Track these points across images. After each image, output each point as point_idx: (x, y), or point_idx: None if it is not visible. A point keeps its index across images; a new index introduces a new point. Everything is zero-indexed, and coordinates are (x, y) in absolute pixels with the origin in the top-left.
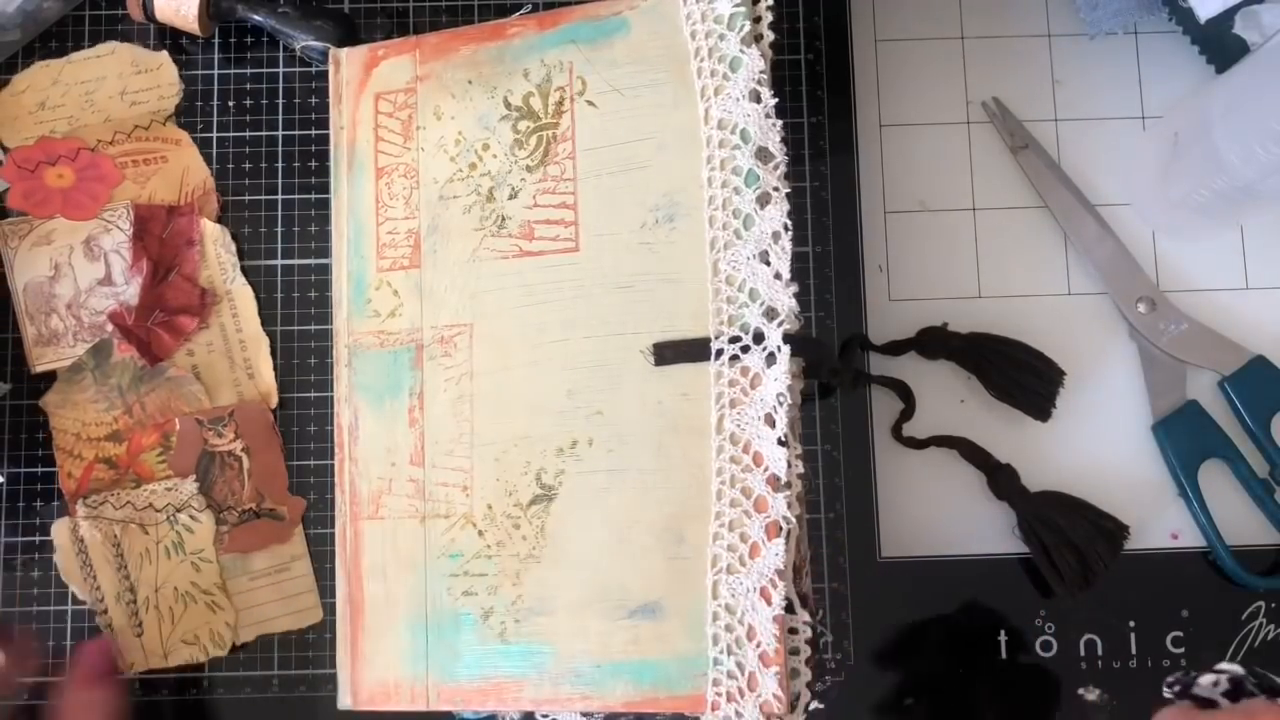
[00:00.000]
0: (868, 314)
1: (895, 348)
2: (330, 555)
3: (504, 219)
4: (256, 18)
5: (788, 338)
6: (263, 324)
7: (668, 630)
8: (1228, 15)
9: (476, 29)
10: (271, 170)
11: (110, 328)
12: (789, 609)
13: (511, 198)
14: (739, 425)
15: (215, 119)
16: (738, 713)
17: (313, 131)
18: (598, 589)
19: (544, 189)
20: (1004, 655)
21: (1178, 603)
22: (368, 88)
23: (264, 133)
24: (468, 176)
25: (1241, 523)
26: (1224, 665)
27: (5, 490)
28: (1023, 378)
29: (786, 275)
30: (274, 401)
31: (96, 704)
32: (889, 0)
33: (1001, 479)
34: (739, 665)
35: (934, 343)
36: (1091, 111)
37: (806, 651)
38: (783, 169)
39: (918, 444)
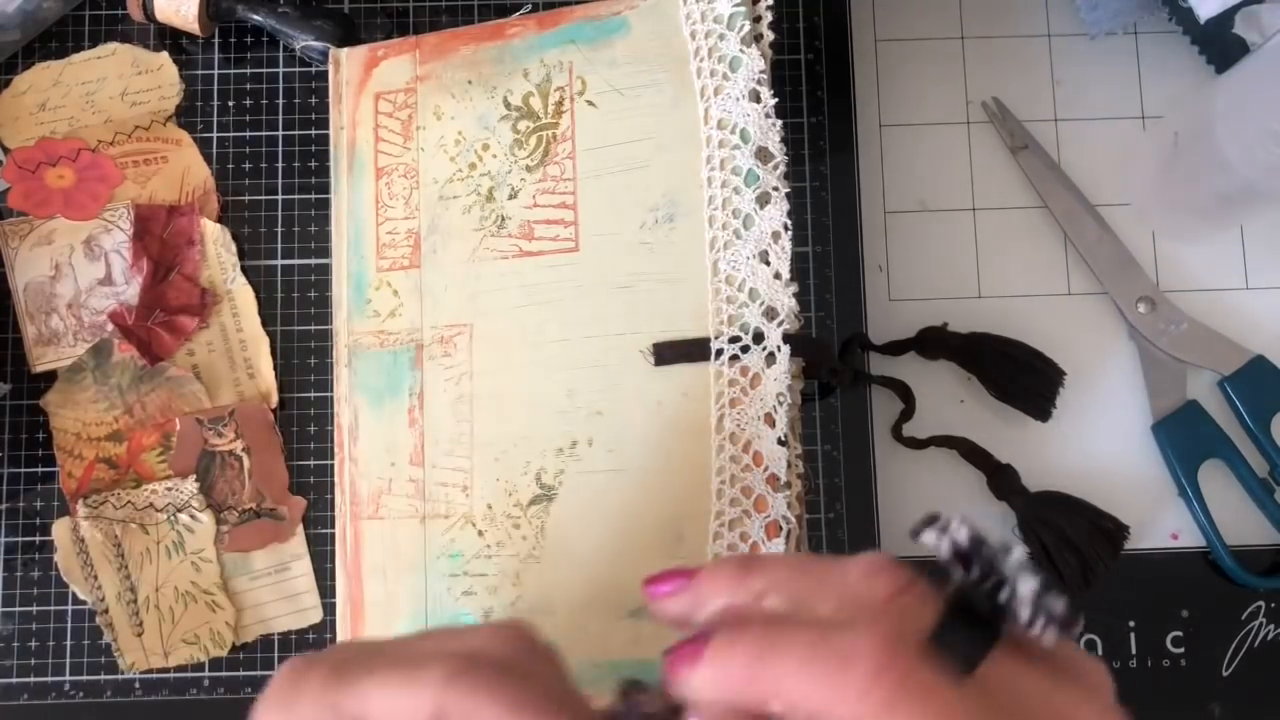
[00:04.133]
0: (868, 314)
1: (895, 348)
2: (330, 555)
3: (504, 219)
4: (256, 18)
5: (788, 338)
6: (263, 324)
7: (668, 630)
8: (1228, 15)
9: (476, 29)
10: (271, 170)
11: (110, 327)
12: None
13: (511, 198)
14: (739, 425)
15: (215, 119)
16: None
17: (313, 131)
18: (598, 589)
19: (544, 189)
20: None
21: (1178, 603)
22: (368, 88)
23: (264, 133)
24: (467, 176)
25: (1241, 523)
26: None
27: (5, 490)
28: (1023, 378)
29: (786, 275)
30: (274, 401)
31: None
32: (889, 0)
33: (1001, 479)
34: None
35: (934, 343)
36: (1091, 111)
37: None
38: (783, 169)
39: (918, 444)
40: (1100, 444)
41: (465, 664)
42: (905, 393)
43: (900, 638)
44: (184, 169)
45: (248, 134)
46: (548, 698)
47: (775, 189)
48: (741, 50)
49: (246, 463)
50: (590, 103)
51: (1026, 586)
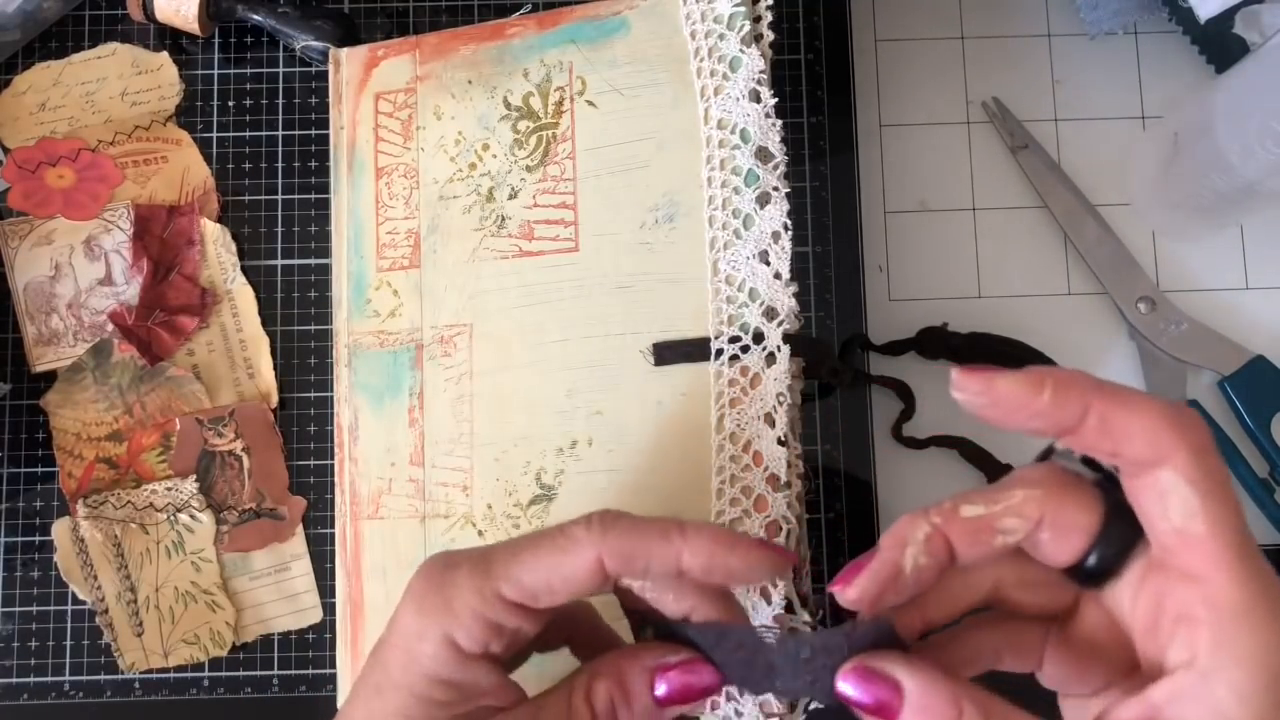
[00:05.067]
0: (868, 314)
1: (895, 348)
2: (330, 555)
3: (504, 219)
4: (256, 18)
5: (787, 338)
6: (263, 324)
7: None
8: (1228, 15)
9: (476, 29)
10: (271, 170)
11: (110, 327)
12: (789, 609)
13: (511, 198)
14: (739, 425)
15: (215, 119)
16: (737, 712)
17: (313, 131)
18: None
19: (544, 189)
20: None
21: None
22: (368, 88)
23: (264, 133)
24: (467, 176)
25: None
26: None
27: (5, 490)
28: None
29: (786, 275)
30: (274, 401)
31: None
32: (889, 0)
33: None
34: None
35: (934, 343)
36: (1091, 111)
37: None
38: (783, 169)
39: (918, 444)
40: None
41: (607, 518)
42: (905, 393)
43: None
44: (184, 169)
45: (248, 134)
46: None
47: (775, 189)
48: (741, 50)
49: (246, 463)
50: (590, 103)
51: None
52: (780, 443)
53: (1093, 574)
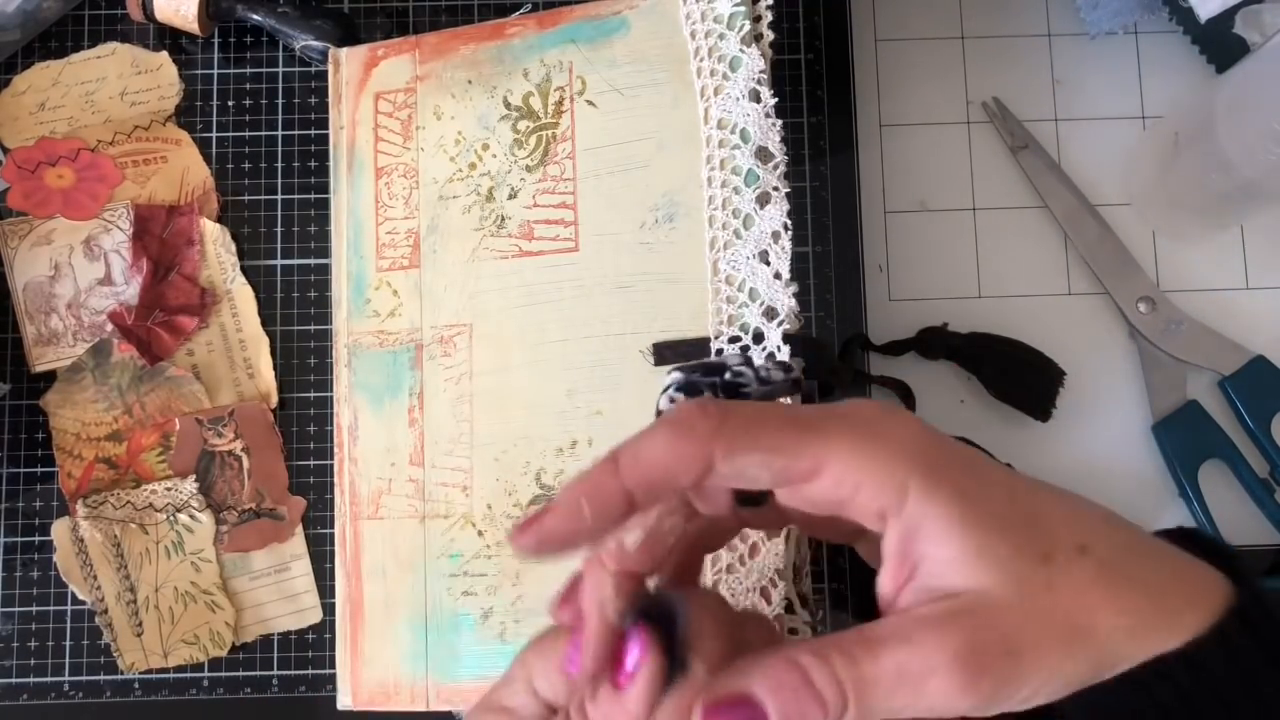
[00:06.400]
0: (868, 314)
1: (895, 348)
2: (330, 555)
3: (503, 219)
4: (256, 18)
5: (787, 337)
6: (263, 324)
7: None
8: (1228, 15)
9: (476, 29)
10: (271, 170)
11: (110, 327)
12: (789, 609)
13: (511, 198)
14: None
15: (215, 119)
16: None
17: (313, 131)
18: None
19: (544, 189)
20: None
21: None
22: (367, 87)
23: (264, 133)
24: (467, 176)
25: (1241, 523)
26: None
27: (5, 490)
28: (1023, 378)
29: (786, 275)
30: (274, 401)
31: None
32: (889, 0)
33: None
34: None
35: (934, 343)
36: (1091, 111)
37: None
38: (783, 169)
39: None
40: (1100, 444)
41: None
42: (905, 393)
43: None
44: (184, 169)
45: (247, 134)
46: None
47: (775, 189)
48: (741, 50)
49: (246, 463)
50: (590, 102)
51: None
52: None
53: (745, 504)
